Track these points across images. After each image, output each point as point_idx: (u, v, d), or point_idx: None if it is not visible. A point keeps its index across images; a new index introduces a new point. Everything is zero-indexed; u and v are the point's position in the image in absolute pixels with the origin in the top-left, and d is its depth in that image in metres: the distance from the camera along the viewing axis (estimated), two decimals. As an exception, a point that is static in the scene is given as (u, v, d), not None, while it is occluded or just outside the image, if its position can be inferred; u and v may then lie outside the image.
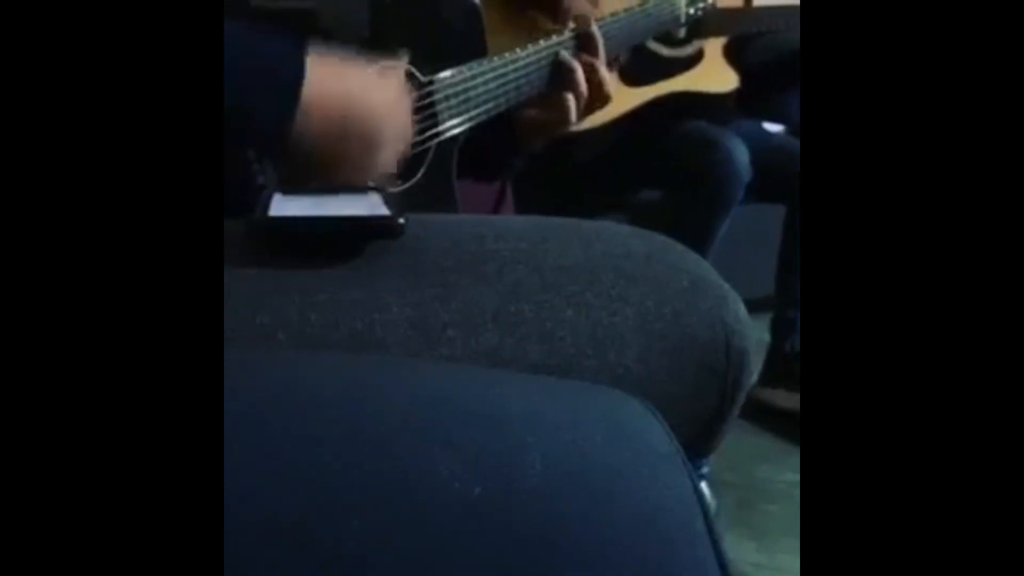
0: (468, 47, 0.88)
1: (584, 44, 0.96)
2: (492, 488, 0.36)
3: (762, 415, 1.70)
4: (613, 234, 0.56)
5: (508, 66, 0.92)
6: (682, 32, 1.75)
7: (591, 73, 0.94)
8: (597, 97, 0.94)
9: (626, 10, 1.08)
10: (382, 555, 0.34)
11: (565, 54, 0.95)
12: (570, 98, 0.92)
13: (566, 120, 0.93)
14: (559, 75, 0.94)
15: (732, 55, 1.83)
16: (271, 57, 0.59)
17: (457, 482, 0.36)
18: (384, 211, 0.54)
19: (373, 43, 0.79)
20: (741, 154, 1.71)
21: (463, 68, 0.87)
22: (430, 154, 0.86)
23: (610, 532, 0.37)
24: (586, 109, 0.95)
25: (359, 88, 0.62)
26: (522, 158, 1.04)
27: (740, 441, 1.60)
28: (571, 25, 0.99)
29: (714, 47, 1.82)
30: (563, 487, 0.37)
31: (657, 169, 1.77)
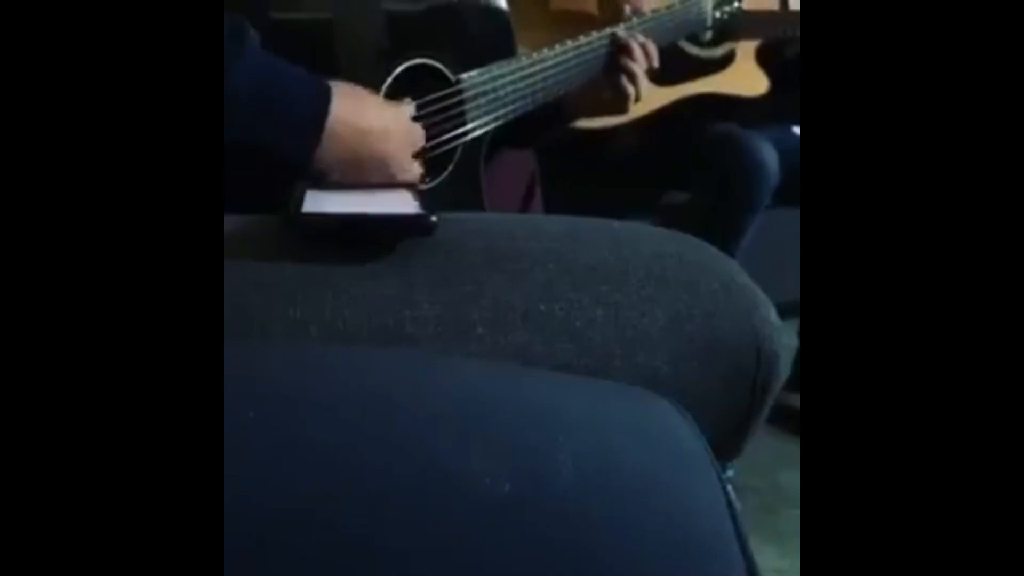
0: (496, 50, 0.89)
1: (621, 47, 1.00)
2: (522, 485, 0.36)
3: (786, 420, 1.68)
4: (645, 235, 0.56)
5: (536, 66, 0.92)
6: (708, 35, 1.74)
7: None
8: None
9: (654, 11, 1.08)
10: (410, 547, 0.34)
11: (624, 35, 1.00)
12: (626, 82, 1.00)
13: (624, 103, 1.01)
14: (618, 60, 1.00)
15: (765, 59, 1.82)
16: (298, 90, 0.64)
17: (487, 478, 0.36)
18: (417, 209, 0.54)
19: (394, 52, 0.79)
20: (770, 157, 1.70)
21: (492, 67, 0.87)
22: (458, 152, 0.86)
23: (639, 531, 0.37)
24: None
25: (373, 116, 0.68)
26: (558, 129, 1.06)
27: (764, 446, 1.58)
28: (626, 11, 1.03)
29: (746, 49, 1.81)
30: (593, 486, 0.37)
31: (685, 170, 1.76)
